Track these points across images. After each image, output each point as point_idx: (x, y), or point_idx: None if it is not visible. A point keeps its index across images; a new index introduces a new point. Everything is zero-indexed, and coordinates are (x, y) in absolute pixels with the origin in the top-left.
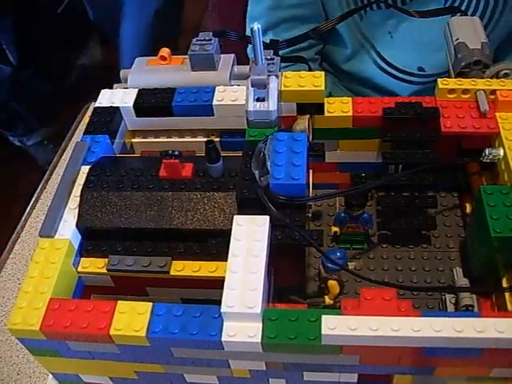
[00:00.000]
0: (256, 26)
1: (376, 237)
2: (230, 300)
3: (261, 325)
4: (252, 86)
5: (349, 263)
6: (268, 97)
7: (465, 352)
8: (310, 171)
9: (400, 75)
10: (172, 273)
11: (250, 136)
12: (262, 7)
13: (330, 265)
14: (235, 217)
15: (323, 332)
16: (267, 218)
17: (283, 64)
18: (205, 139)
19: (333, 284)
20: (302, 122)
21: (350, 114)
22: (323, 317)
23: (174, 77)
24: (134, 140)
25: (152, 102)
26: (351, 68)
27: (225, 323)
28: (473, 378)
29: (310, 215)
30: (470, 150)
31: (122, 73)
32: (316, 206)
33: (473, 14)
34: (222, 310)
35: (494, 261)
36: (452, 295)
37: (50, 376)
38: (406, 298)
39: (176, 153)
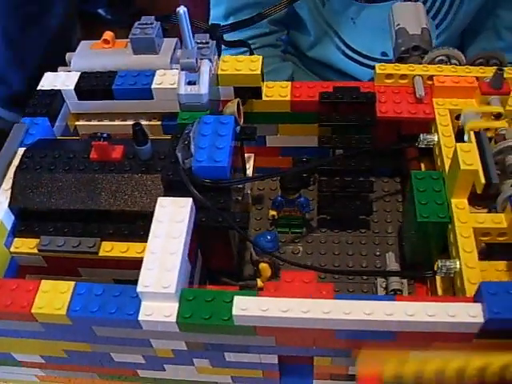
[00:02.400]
0: (181, 9)
1: (315, 221)
2: (146, 280)
3: (177, 305)
4: (182, 70)
5: (286, 247)
6: (199, 80)
7: (378, 335)
8: (252, 155)
9: (364, 60)
10: (101, 253)
11: (182, 119)
12: None
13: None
14: (159, 199)
15: (234, 312)
16: (190, 200)
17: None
18: (147, 122)
19: (264, 267)
20: (231, 106)
21: (288, 98)
22: (235, 298)
23: (117, 60)
24: (77, 123)
25: (93, 85)
26: (315, 54)
27: (143, 303)
28: None
29: (240, 198)
30: (409, 135)
31: (68, 56)
32: (258, 189)
33: (433, 3)
34: (137, 290)
35: (424, 246)
36: (383, 280)
37: None
38: (340, 282)
39: (105, 135)
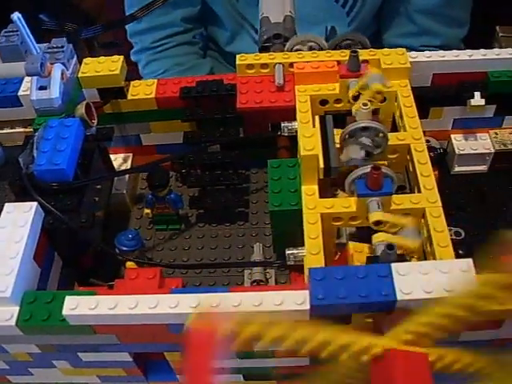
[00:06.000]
0: (15, 15)
1: (194, 217)
2: None
3: (18, 308)
4: (27, 75)
5: (164, 244)
6: (50, 85)
7: None
8: (130, 155)
9: None
10: None
11: (37, 124)
12: None
13: (121, 247)
14: (5, 204)
15: (64, 312)
16: (34, 204)
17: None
18: (23, 129)
19: (130, 265)
20: (80, 108)
21: (153, 95)
22: (66, 298)
23: None
24: None
25: None
26: (233, 49)
27: None
28: None
29: (98, 199)
30: (278, 124)
31: None
32: (141, 189)
33: None
34: None
35: (284, 235)
36: (249, 271)
37: None
38: (217, 276)
39: None
